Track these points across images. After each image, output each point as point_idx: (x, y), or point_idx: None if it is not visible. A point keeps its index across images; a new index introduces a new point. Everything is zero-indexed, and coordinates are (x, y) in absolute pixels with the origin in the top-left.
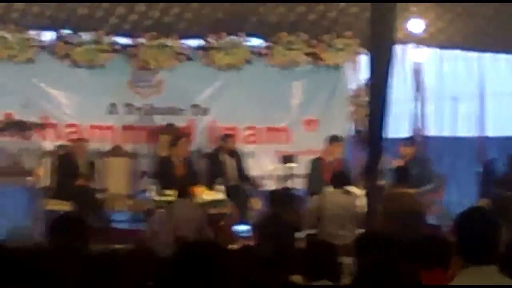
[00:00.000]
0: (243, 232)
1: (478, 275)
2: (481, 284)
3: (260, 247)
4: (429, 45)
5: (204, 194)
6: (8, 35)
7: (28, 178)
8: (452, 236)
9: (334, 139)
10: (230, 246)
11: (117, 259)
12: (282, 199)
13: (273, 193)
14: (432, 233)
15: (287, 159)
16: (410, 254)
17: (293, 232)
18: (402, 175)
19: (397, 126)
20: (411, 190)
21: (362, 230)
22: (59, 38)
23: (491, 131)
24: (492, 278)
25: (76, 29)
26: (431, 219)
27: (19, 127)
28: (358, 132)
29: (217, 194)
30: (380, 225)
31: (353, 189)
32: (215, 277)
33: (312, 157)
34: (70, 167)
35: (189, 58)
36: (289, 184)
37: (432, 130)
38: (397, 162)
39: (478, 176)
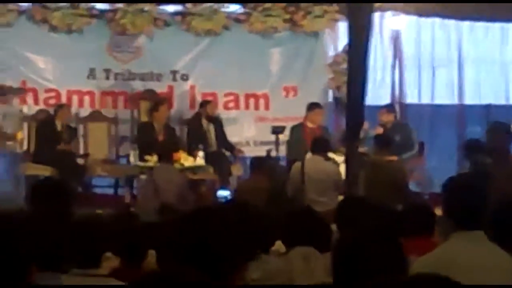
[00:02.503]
0: (224, 198)
1: (466, 240)
2: (468, 248)
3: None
4: (407, 12)
5: (185, 160)
6: None
7: (9, 143)
8: (434, 203)
9: (314, 106)
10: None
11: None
12: (263, 165)
13: (254, 159)
14: (415, 201)
15: (277, 129)
16: (392, 222)
17: (276, 199)
18: (382, 142)
19: (376, 94)
20: (392, 157)
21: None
22: (37, 2)
23: (470, 99)
24: (479, 243)
25: None
26: (412, 186)
27: None
28: (337, 99)
29: (198, 160)
30: (361, 192)
31: (333, 155)
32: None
33: (293, 123)
34: (50, 132)
35: (167, 24)
36: (271, 150)
37: (410, 97)
38: (377, 129)
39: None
